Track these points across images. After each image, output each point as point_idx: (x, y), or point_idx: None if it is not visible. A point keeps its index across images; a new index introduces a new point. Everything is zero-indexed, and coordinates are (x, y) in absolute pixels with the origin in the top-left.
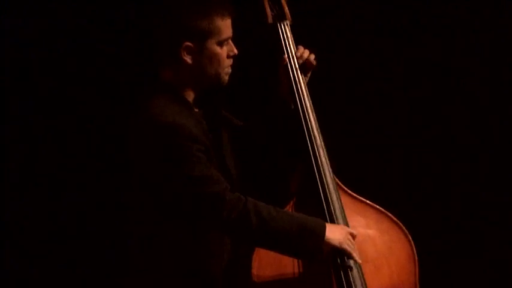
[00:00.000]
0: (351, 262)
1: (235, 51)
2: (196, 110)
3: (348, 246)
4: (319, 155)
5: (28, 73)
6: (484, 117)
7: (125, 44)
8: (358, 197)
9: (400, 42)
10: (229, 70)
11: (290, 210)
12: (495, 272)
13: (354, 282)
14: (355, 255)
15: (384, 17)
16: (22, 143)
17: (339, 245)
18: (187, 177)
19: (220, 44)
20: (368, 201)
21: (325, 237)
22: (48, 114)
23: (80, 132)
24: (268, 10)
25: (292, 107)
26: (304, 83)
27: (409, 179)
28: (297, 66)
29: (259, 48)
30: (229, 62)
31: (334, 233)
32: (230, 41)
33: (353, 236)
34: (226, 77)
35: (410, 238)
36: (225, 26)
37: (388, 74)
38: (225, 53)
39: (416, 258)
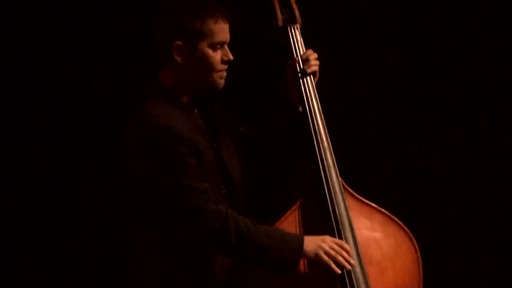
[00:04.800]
0: (352, 265)
1: (230, 56)
2: (192, 110)
3: (326, 256)
4: (326, 158)
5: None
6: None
7: (125, 45)
8: (364, 200)
9: (408, 44)
10: (224, 74)
11: (296, 212)
12: (499, 275)
13: (357, 284)
14: (333, 265)
15: (392, 19)
16: (14, 147)
17: (314, 257)
18: (172, 184)
19: (213, 47)
20: (374, 205)
21: (303, 252)
22: (41, 116)
23: (77, 134)
24: (279, 13)
25: (300, 109)
26: (312, 85)
27: (417, 183)
28: (306, 69)
29: (268, 51)
30: (224, 66)
31: (310, 246)
32: (226, 46)
33: (339, 245)
34: (221, 81)
35: (415, 242)
36: (219, 30)
37: (399, 76)
38: (219, 56)
39: (420, 261)
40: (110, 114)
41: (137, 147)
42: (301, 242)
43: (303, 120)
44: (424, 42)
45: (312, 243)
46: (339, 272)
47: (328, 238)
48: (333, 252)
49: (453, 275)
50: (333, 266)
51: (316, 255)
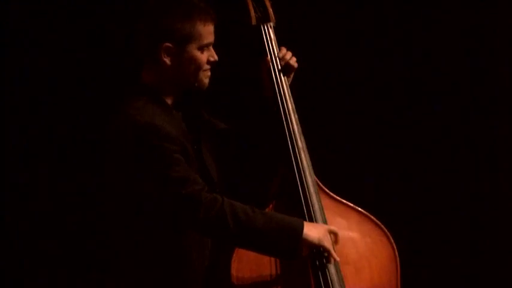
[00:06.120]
0: (330, 261)
1: (216, 57)
2: (175, 112)
3: (327, 243)
4: (300, 157)
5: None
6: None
7: (107, 46)
8: (339, 199)
9: (379, 44)
10: (209, 74)
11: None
12: (476, 274)
13: (331, 283)
14: (333, 252)
15: (364, 20)
16: None
17: (317, 242)
18: (164, 178)
19: (201, 48)
20: (350, 204)
21: (303, 235)
22: (20, 116)
23: (59, 134)
24: (252, 12)
25: (275, 108)
26: (286, 84)
27: (394, 181)
28: (280, 67)
29: (242, 50)
30: (208, 66)
31: (312, 231)
32: (211, 47)
33: (335, 234)
34: (206, 81)
35: (392, 240)
36: (207, 32)
37: (370, 76)
38: (205, 58)
39: (398, 260)
40: (92, 114)
41: (123, 146)
42: (302, 225)
43: (277, 119)
44: (393, 40)
45: (313, 228)
46: (338, 259)
47: (325, 225)
48: (331, 241)
49: (431, 273)
50: (333, 252)
51: (320, 240)
